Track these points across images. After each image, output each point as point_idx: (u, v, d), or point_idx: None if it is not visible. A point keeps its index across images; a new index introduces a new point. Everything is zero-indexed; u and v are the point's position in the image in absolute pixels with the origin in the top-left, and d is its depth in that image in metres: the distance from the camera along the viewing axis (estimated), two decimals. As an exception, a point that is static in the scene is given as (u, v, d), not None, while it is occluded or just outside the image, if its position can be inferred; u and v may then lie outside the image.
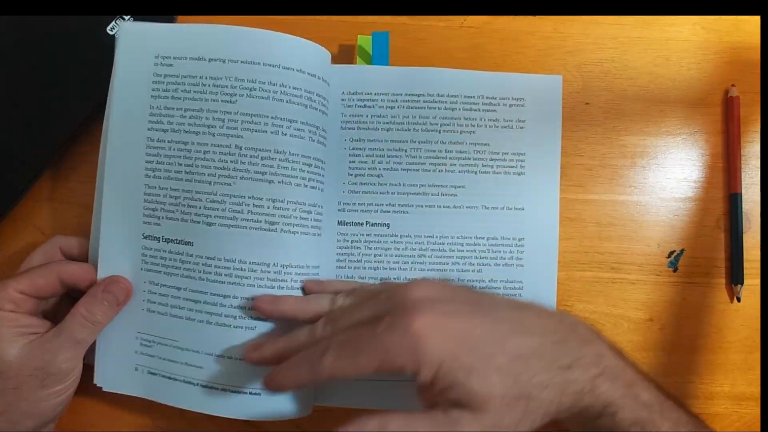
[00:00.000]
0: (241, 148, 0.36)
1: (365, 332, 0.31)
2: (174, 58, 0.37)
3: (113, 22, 0.40)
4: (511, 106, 0.41)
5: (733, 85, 0.43)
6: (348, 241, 0.40)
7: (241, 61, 0.36)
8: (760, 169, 0.43)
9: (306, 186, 0.37)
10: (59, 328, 0.35)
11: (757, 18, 0.44)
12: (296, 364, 0.32)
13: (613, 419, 0.31)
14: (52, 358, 0.34)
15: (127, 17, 0.40)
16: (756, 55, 0.44)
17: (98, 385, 0.38)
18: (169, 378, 0.37)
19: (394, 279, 0.40)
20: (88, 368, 0.38)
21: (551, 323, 0.32)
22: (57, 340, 0.35)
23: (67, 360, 0.35)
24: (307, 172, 0.37)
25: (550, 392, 0.30)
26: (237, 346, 0.36)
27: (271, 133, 0.36)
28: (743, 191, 0.43)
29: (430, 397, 0.30)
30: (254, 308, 0.36)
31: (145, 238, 0.37)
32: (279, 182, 0.36)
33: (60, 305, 0.39)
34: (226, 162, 0.36)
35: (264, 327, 0.36)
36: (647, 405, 0.31)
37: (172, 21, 0.41)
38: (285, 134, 0.37)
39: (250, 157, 0.36)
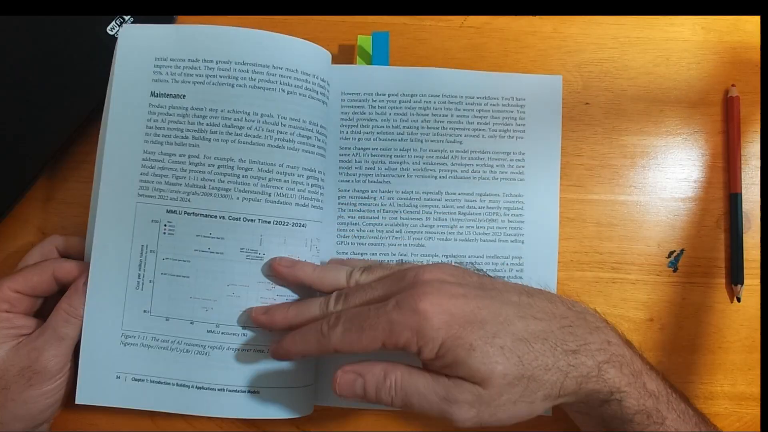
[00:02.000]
0: (244, 161, 0.36)
1: (374, 309, 0.31)
2: (173, 59, 0.37)
3: (113, 22, 0.40)
4: (511, 106, 0.41)
5: (733, 85, 0.43)
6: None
7: (239, 62, 0.36)
8: (760, 169, 0.43)
9: (304, 189, 0.37)
10: (44, 326, 0.35)
11: (757, 18, 0.44)
12: (305, 335, 0.32)
13: (620, 406, 0.31)
14: (38, 356, 0.34)
15: (127, 17, 0.40)
16: (756, 55, 0.44)
17: (77, 402, 0.36)
18: (159, 383, 0.36)
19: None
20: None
21: (560, 310, 0.33)
22: (42, 337, 0.34)
23: (53, 357, 0.34)
24: (306, 174, 0.37)
25: (554, 375, 0.30)
26: (233, 345, 0.36)
27: (266, 138, 0.36)
28: (743, 191, 0.43)
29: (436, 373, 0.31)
30: (272, 270, 0.35)
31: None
32: (275, 200, 0.36)
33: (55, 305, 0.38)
34: (224, 176, 0.36)
35: (256, 330, 0.36)
36: (653, 395, 0.32)
37: (171, 21, 0.41)
38: (282, 135, 0.37)
39: (247, 170, 0.36)
